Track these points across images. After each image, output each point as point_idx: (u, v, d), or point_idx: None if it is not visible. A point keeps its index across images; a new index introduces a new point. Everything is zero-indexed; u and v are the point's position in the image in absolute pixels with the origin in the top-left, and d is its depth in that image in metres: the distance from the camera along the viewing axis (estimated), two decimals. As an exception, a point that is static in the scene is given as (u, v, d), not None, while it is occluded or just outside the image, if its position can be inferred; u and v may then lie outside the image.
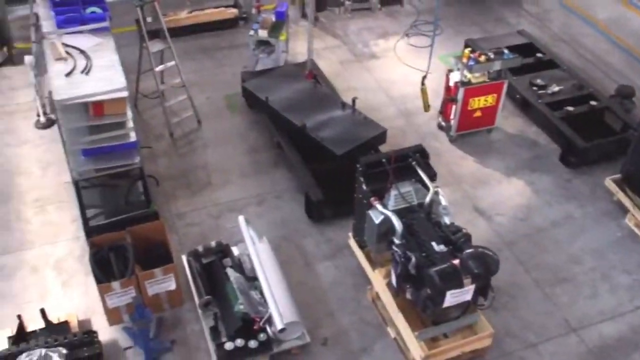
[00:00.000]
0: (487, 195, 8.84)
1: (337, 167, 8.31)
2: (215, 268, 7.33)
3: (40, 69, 9.52)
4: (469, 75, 9.10)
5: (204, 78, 10.75)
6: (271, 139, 9.35)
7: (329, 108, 9.09)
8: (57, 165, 9.08)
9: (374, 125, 8.82)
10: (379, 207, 6.72)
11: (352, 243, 7.67)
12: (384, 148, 8.67)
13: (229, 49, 11.60)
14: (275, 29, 10.40)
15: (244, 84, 9.81)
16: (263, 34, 10.29)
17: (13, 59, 11.09)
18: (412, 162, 7.01)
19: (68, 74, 7.45)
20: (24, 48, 11.20)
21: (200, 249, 7.52)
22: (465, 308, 6.60)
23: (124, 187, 8.00)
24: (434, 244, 6.36)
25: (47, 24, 8.35)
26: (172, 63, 9.47)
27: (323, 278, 7.72)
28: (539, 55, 10.77)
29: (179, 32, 11.22)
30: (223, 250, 7.53)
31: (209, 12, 12.05)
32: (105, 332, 7.01)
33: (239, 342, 6.61)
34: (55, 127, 9.70)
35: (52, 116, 9.80)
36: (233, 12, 12.16)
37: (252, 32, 10.42)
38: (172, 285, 7.04)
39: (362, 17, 12.62)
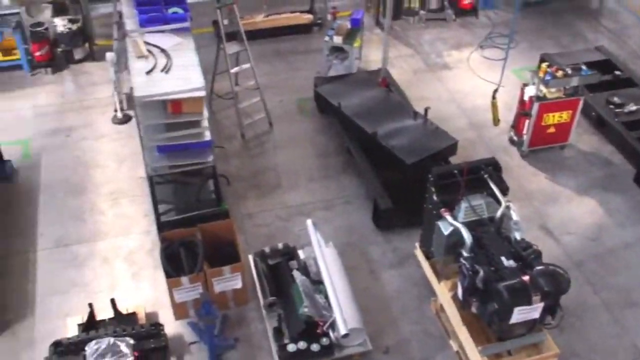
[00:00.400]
0: (557, 213, 8.68)
1: (406, 176, 8.29)
2: (281, 270, 7.39)
3: (120, 65, 9.82)
4: (544, 90, 8.96)
5: (277, 81, 10.88)
6: (341, 144, 9.40)
7: (400, 116, 9.08)
8: (132, 160, 9.34)
9: (446, 136, 8.78)
10: (449, 218, 6.68)
11: (419, 253, 7.64)
12: (454, 160, 8.62)
13: (302, 54, 11.71)
14: (350, 36, 10.45)
15: (317, 89, 9.90)
16: (338, 40, 10.34)
17: (94, 55, 11.44)
18: (485, 175, 6.94)
19: (149, 72, 7.64)
20: (105, 45, 11.57)
21: (267, 250, 7.60)
22: (531, 326, 6.49)
23: (196, 184, 8.14)
24: (503, 258, 6.28)
25: (130, 22, 8.57)
26: (248, 65, 9.62)
27: (387, 286, 7.70)
28: (617, 72, 10.53)
29: (254, 35, 11.35)
30: (290, 253, 7.60)
31: (284, 16, 12.20)
32: (171, 325, 7.15)
33: (302, 344, 6.66)
34: (131, 123, 9.98)
35: (129, 112, 10.09)
36: (308, 17, 12.27)
37: (327, 38, 10.49)
38: (239, 284, 7.14)
39: (436, 27, 12.58)
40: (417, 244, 7.68)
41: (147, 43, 8.12)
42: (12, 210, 8.57)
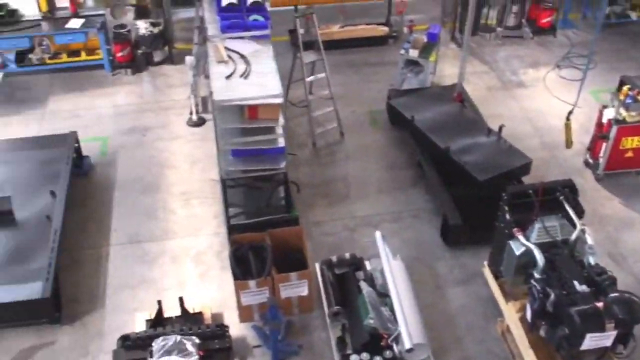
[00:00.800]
0: (631, 239, 8.45)
1: (477, 193, 8.20)
2: (347, 280, 7.40)
3: (198, 69, 10.02)
4: (624, 114, 8.75)
5: (350, 92, 10.93)
6: (412, 157, 9.37)
7: (474, 133, 9.00)
8: (204, 162, 9.51)
9: (519, 154, 8.65)
10: (522, 238, 6.58)
11: (487, 272, 7.54)
12: (526, 179, 8.48)
13: (376, 66, 11.74)
14: (426, 50, 10.42)
15: (390, 101, 9.90)
16: (414, 53, 10.33)
17: (172, 58, 11.72)
18: (560, 197, 6.82)
19: (228, 77, 7.78)
20: (183, 49, 11.85)
21: (334, 259, 7.62)
22: (602, 354, 6.32)
23: (267, 190, 8.24)
24: (576, 283, 6.15)
25: (212, 28, 8.76)
26: (323, 75, 9.70)
27: (453, 303, 7.63)
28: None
29: (329, 45, 11.40)
30: (356, 263, 7.59)
31: (360, 28, 12.27)
32: (236, 327, 7.22)
33: (365, 356, 6.63)
34: (205, 126, 10.17)
35: (204, 115, 10.28)
36: (384, 30, 12.30)
37: (402, 51, 10.48)
38: (305, 291, 7.18)
39: (513, 44, 12.44)
40: (485, 262, 7.58)
41: (227, 48, 8.28)
42: (88, 204, 8.83)
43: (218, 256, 8.10)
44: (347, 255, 7.68)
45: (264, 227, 7.49)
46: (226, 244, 8.11)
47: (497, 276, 7.31)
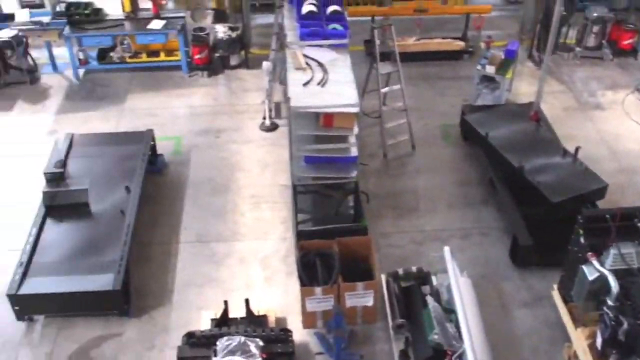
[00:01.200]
0: None
1: (550, 214, 8.05)
2: (413, 293, 7.35)
3: (274, 75, 10.14)
4: None
5: (423, 105, 10.89)
6: (484, 174, 9.27)
7: (549, 153, 8.84)
8: (274, 167, 9.60)
9: (595, 178, 8.45)
10: (596, 263, 6.43)
11: (556, 295, 7.38)
12: (601, 204, 8.28)
13: (450, 80, 11.67)
14: (503, 66, 10.29)
15: (465, 117, 9.82)
16: (490, 69, 10.22)
17: (248, 63, 11.88)
18: (638, 223, 6.63)
19: (306, 84, 7.86)
20: (259, 54, 12.01)
21: (400, 271, 7.58)
22: (674, 388, 6.12)
23: (336, 198, 8.26)
24: (651, 313, 5.97)
25: (291, 35, 8.86)
26: (398, 87, 9.70)
27: (518, 325, 7.48)
28: None
29: (404, 57, 11.38)
30: (423, 277, 7.54)
31: (436, 41, 12.21)
32: (298, 333, 7.23)
33: (428, 371, 6.59)
34: (277, 131, 10.27)
35: (276, 121, 10.38)
36: (459, 44, 12.22)
37: (479, 67, 10.39)
38: (370, 302, 7.16)
39: (592, 65, 12.20)
40: (555, 285, 7.42)
41: (306, 56, 8.35)
42: (160, 201, 9.02)
43: (284, 261, 8.16)
44: (414, 268, 7.64)
45: (332, 234, 7.50)
46: (293, 249, 8.18)
47: (566, 300, 7.15)
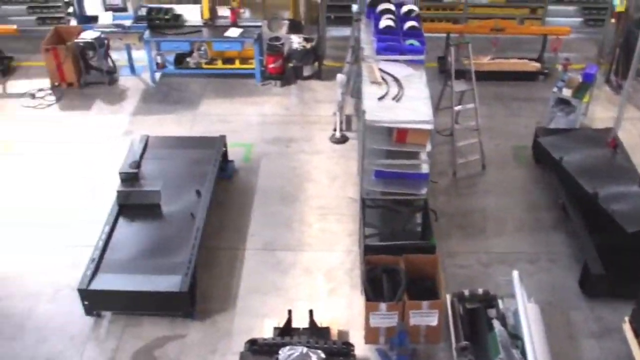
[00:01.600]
0: None
1: (623, 244, 7.83)
2: (478, 315, 7.24)
3: (348, 88, 10.17)
4: None
5: (496, 125, 10.76)
6: (555, 199, 9.09)
7: (625, 181, 8.62)
8: (343, 180, 9.62)
9: (673, 209, 8.20)
10: (673, 298, 6.23)
11: (627, 328, 7.16)
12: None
13: (523, 101, 11.50)
14: (581, 90, 10.09)
15: (538, 139, 9.65)
16: (567, 93, 10.03)
17: (321, 74, 11.95)
18: None
19: (380, 98, 7.86)
20: (332, 66, 12.08)
21: (466, 292, 7.47)
22: None
23: (404, 214, 8.22)
24: None
25: (367, 49, 8.88)
26: (471, 105, 9.61)
27: (585, 356, 7.28)
28: None
29: (477, 75, 11.30)
30: (489, 300, 7.42)
31: (511, 61, 12.07)
32: (360, 348, 7.17)
33: (490, 395, 6.48)
34: (347, 144, 10.29)
35: (347, 133, 10.41)
36: (535, 65, 12.04)
37: (555, 89, 10.21)
38: (434, 321, 7.09)
39: (675, 92, 11.85)
40: (626, 318, 7.21)
41: (381, 70, 8.36)
42: (229, 207, 9.14)
43: (349, 274, 8.15)
44: (480, 290, 7.52)
45: (399, 251, 7.46)
46: (358, 262, 8.18)
47: (638, 335, 6.93)
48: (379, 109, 7.70)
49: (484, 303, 7.39)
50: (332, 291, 7.97)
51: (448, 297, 7.53)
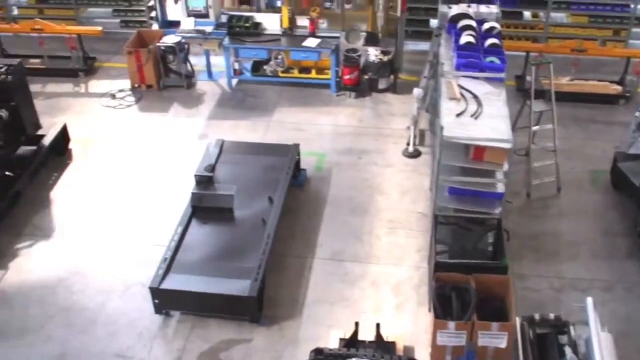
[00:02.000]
0: None
1: None
2: (548, 341, 7.06)
3: (424, 103, 10.12)
4: None
5: (573, 147, 10.52)
6: (633, 226, 8.83)
7: None
8: (414, 194, 9.57)
9: None
10: None
11: None
12: None
13: (603, 125, 11.23)
14: (664, 115, 9.79)
15: (618, 164, 9.40)
16: (650, 118, 9.75)
17: (396, 88, 11.92)
18: None
19: (459, 114, 7.79)
20: (407, 80, 12.06)
21: (536, 316, 7.30)
22: None
23: (476, 233, 8.11)
24: None
25: (446, 64, 8.81)
26: (549, 126, 9.44)
27: (659, 390, 7.06)
28: None
29: (555, 96, 11.09)
30: (559, 326, 7.23)
31: (591, 83, 11.81)
32: (425, 365, 7.16)
33: None
34: (419, 159, 10.23)
35: (420, 148, 10.35)
36: (616, 88, 11.75)
37: (637, 114, 9.84)
38: (504, 344, 6.96)
39: None
40: None
41: (460, 86, 8.29)
42: (299, 215, 9.19)
43: (416, 290, 8.08)
44: (551, 315, 7.33)
45: (469, 269, 7.36)
46: (426, 279, 8.11)
47: None
48: (457, 125, 7.63)
49: (554, 329, 7.21)
50: (399, 306, 7.92)
51: (518, 320, 7.38)
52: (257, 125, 11.15)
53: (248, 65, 12.36)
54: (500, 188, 7.77)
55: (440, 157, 7.68)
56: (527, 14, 13.22)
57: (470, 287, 7.15)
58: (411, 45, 13.01)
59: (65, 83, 12.52)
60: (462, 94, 8.16)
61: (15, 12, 14.48)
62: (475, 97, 8.15)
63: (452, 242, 8.28)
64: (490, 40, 9.00)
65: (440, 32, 9.75)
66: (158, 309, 7.73)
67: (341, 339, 7.22)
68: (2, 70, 9.51)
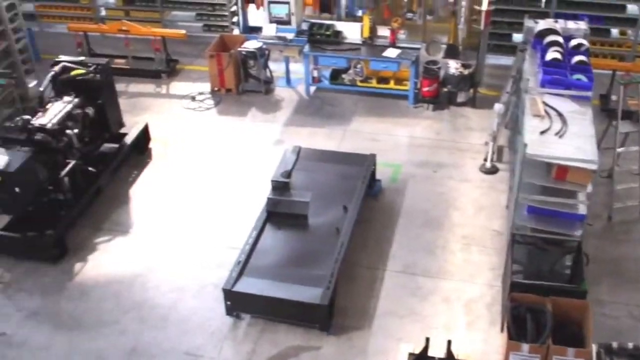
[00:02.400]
0: None
1: None
2: (626, 371, 6.84)
3: (504, 119, 9.95)
4: None
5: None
6: None
7: None
8: (490, 211, 9.40)
9: None
10: None
11: None
12: None
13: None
14: None
15: None
16: None
17: (475, 102, 11.75)
18: None
19: (543, 132, 7.63)
20: (486, 94, 11.89)
21: (614, 345, 7.07)
22: None
23: (554, 254, 7.89)
24: None
25: (531, 80, 8.64)
26: (635, 148, 9.15)
27: None
28: None
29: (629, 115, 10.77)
30: (638, 356, 6.98)
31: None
32: (497, 386, 7.02)
33: None
34: (496, 175, 10.05)
35: (497, 164, 10.17)
36: None
37: None
38: (579, 370, 6.76)
39: None
40: None
41: (545, 104, 8.12)
42: (373, 225, 9.15)
43: (489, 309, 7.94)
44: (630, 344, 7.09)
45: (546, 292, 7.17)
46: (499, 298, 7.96)
47: None
48: (541, 143, 7.47)
49: (632, 359, 6.97)
50: (470, 324, 7.79)
51: (594, 347, 7.15)
52: (333, 133, 11.17)
53: (327, 73, 12.41)
54: (582, 209, 7.59)
55: (521, 174, 7.53)
56: (614, 31, 12.86)
57: (546, 310, 6.97)
58: (492, 59, 12.80)
59: (147, 84, 12.84)
60: (546, 112, 7.99)
61: (103, 12, 14.93)
62: (560, 115, 7.97)
63: (528, 262, 8.09)
64: (577, 58, 8.80)
65: (525, 47, 9.59)
66: (229, 311, 7.81)
67: (410, 354, 7.11)
68: (91, 69, 9.82)
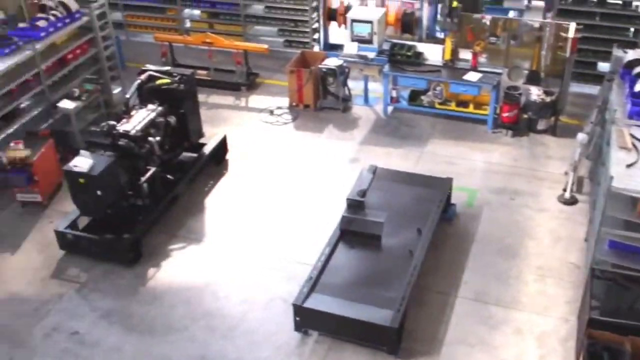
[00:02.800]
0: None
1: None
2: None
3: (587, 149, 9.70)
4: None
5: None
6: None
7: None
8: (567, 243, 9.16)
9: None
10: None
11: None
12: None
13: None
14: None
15: None
16: None
17: (555, 130, 11.50)
18: None
19: (629, 165, 7.41)
20: (567, 123, 11.63)
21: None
22: None
23: (635, 292, 7.63)
24: None
25: (618, 111, 8.42)
26: None
27: None
28: None
29: None
30: None
31: None
32: None
33: None
34: (575, 206, 9.80)
35: (577, 195, 9.91)
36: None
37: None
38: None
39: None
40: None
41: (632, 136, 7.88)
42: (446, 250, 9.03)
43: (563, 344, 7.71)
44: None
45: (626, 330, 6.92)
46: (574, 333, 7.72)
47: None
48: (627, 176, 7.26)
49: None
50: (543, 358, 7.58)
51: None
52: (409, 154, 11.11)
53: (405, 93, 12.36)
54: (665, 246, 7.32)
55: (604, 207, 7.32)
56: None
57: (625, 350, 6.73)
58: (575, 87, 12.53)
59: (227, 96, 13.06)
60: (633, 144, 7.76)
61: (188, 24, 15.29)
62: (648, 148, 7.74)
63: (607, 298, 7.82)
64: (668, 90, 8.54)
65: (613, 77, 9.35)
66: (298, 327, 7.82)
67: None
68: (176, 79, 10.04)
